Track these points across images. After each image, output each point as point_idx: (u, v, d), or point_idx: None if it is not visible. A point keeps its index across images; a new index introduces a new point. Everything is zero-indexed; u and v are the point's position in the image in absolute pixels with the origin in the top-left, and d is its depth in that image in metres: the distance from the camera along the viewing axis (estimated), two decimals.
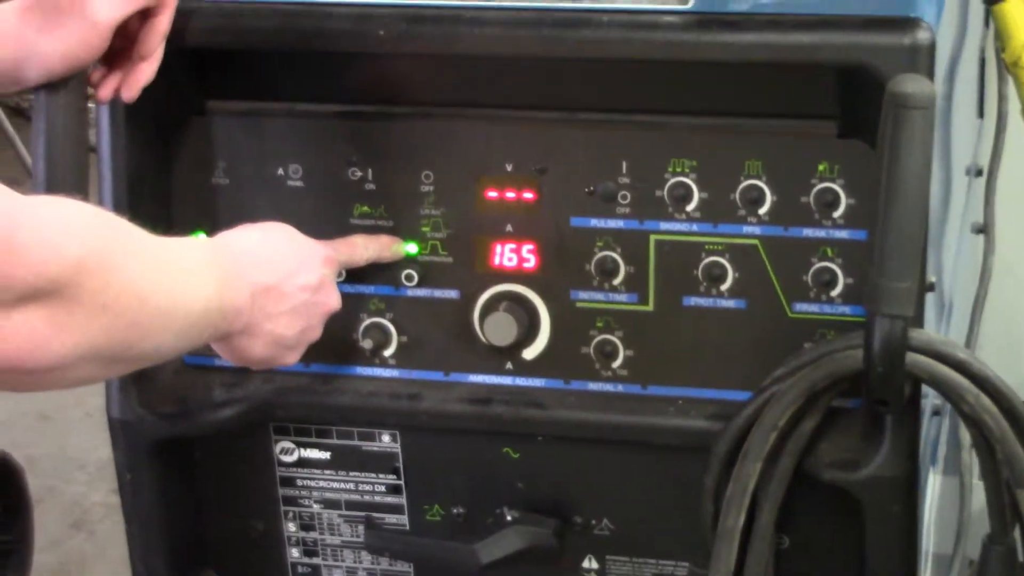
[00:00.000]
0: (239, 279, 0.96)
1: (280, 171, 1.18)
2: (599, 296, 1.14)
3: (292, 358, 1.05)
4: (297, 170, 1.18)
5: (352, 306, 1.17)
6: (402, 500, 1.21)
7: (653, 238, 1.13)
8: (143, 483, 1.20)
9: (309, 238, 1.05)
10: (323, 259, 1.05)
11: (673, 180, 1.12)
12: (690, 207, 1.12)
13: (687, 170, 1.12)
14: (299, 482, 1.23)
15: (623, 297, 1.14)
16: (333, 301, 1.07)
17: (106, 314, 0.80)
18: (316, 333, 1.06)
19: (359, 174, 1.16)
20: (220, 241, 0.99)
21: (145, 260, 0.85)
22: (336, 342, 1.17)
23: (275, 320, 1.00)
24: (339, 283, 1.12)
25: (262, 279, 0.98)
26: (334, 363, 1.19)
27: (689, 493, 1.11)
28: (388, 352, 1.19)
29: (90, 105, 1.08)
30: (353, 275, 1.16)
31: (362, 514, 1.22)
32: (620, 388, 1.15)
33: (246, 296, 0.96)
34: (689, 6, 1.06)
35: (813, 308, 1.11)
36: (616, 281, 1.14)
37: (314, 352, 1.11)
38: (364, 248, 1.12)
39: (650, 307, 1.14)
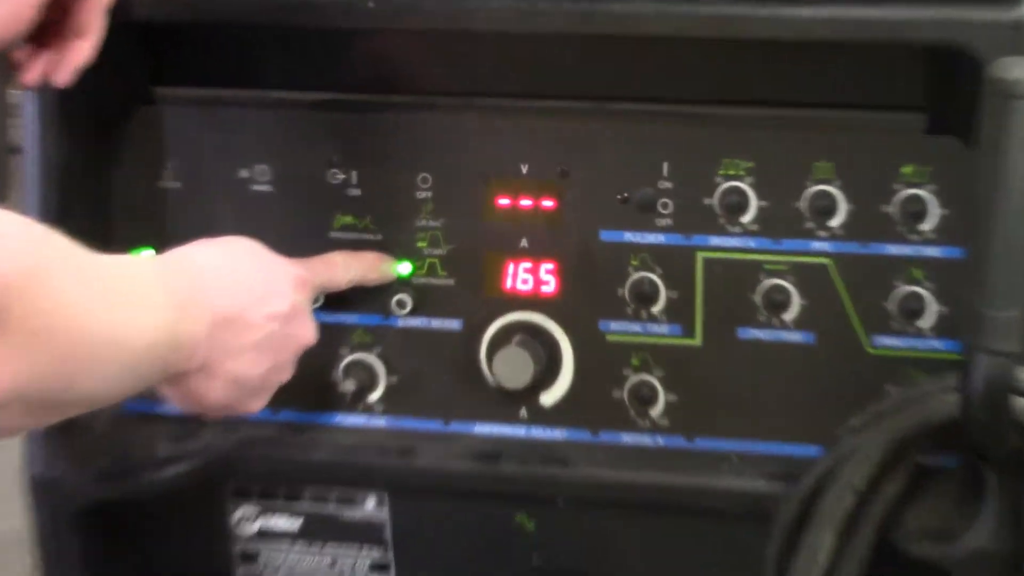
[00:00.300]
0: (196, 306, 0.95)
1: (244, 173, 1.17)
2: (635, 327, 1.14)
3: (257, 404, 1.04)
4: (265, 172, 1.18)
5: (331, 339, 1.16)
6: None
7: (701, 256, 1.13)
8: (68, 557, 1.19)
9: (278, 256, 1.04)
10: (295, 282, 1.04)
11: (725, 185, 1.12)
12: (746, 218, 1.12)
13: (742, 173, 1.11)
14: (262, 558, 1.22)
15: (664, 329, 1.13)
16: (307, 333, 1.06)
17: (35, 345, 0.79)
18: (286, 373, 1.05)
19: (341, 177, 1.16)
20: (173, 259, 0.98)
21: (83, 281, 0.84)
22: (311, 384, 1.16)
23: (238, 357, 0.99)
24: (315, 311, 1.12)
25: (223, 307, 0.97)
26: (308, 409, 1.18)
27: (747, 570, 1.09)
28: (375, 396, 1.18)
29: (13, 92, 1.10)
30: (333, 301, 1.15)
31: None
32: (661, 441, 1.14)
33: (204, 327, 0.96)
34: None
35: (897, 342, 1.10)
36: (655, 309, 1.14)
37: (284, 396, 1.10)
38: (346, 268, 1.11)
39: (697, 341, 1.13)
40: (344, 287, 1.12)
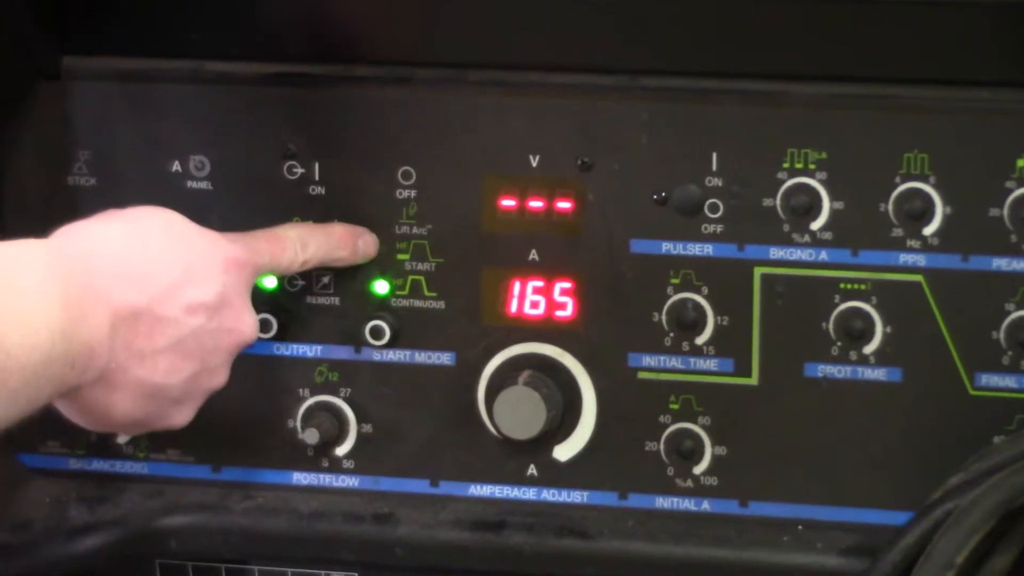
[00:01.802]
0: (91, 302, 0.94)
1: (176, 166, 1.16)
2: (674, 362, 1.12)
3: (180, 416, 1.03)
4: (203, 164, 1.15)
5: (287, 377, 1.17)
6: None
7: (759, 272, 1.11)
8: None
9: (205, 230, 1.03)
10: (227, 263, 1.02)
11: (791, 182, 1.09)
12: (816, 223, 1.10)
13: (812, 166, 1.09)
14: None
15: (712, 364, 1.12)
16: (244, 327, 1.03)
17: None
18: (219, 378, 1.03)
19: (300, 171, 1.14)
20: (62, 244, 0.96)
21: None
22: (261, 434, 1.17)
23: (149, 361, 0.97)
24: (266, 339, 1.13)
25: (126, 299, 0.96)
26: (257, 465, 1.18)
27: None
28: (343, 449, 1.17)
29: None
30: (288, 328, 1.15)
31: None
32: (707, 506, 1.13)
33: (102, 327, 0.94)
34: None
35: (1007, 382, 1.10)
36: (701, 339, 1.12)
37: (226, 449, 1.13)
38: (301, 245, 1.09)
39: (753, 379, 1.12)
40: (299, 270, 1.10)
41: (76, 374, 0.93)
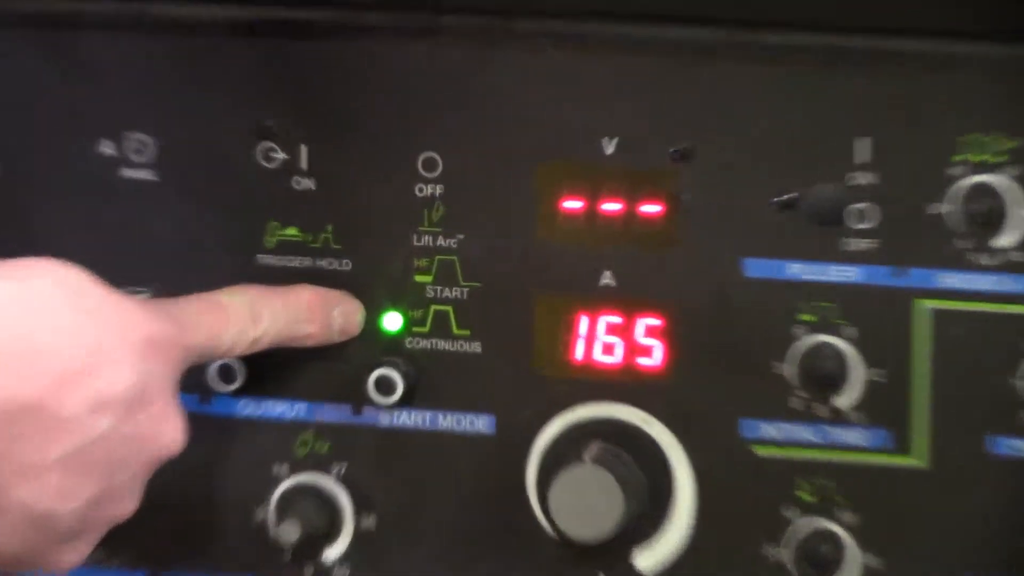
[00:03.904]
0: None
1: (108, 148, 1.09)
2: (805, 433, 1.04)
3: (72, 555, 0.97)
4: (144, 146, 1.09)
5: (257, 447, 1.10)
6: None
7: (924, 307, 1.03)
8: None
9: (122, 298, 0.96)
10: (147, 343, 0.96)
11: (968, 181, 1.01)
12: (1005, 240, 1.02)
13: (1001, 158, 1.01)
14: None
15: (859, 437, 1.04)
16: (167, 434, 0.97)
17: None
18: (127, 503, 0.97)
19: (280, 157, 1.08)
20: None
21: None
22: (218, 525, 1.11)
23: (34, 478, 0.92)
24: (228, 393, 1.07)
25: (9, 390, 0.90)
26: (212, 571, 1.12)
27: None
28: (335, 551, 1.10)
29: None
30: (260, 377, 1.07)
31: None
32: None
33: None
34: None
35: None
36: (844, 401, 1.03)
37: (171, 547, 1.08)
38: (251, 317, 1.03)
39: (918, 460, 1.03)
40: (247, 351, 1.03)
41: None
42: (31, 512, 0.92)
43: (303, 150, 1.07)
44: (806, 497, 1.03)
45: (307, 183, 1.06)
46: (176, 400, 1.00)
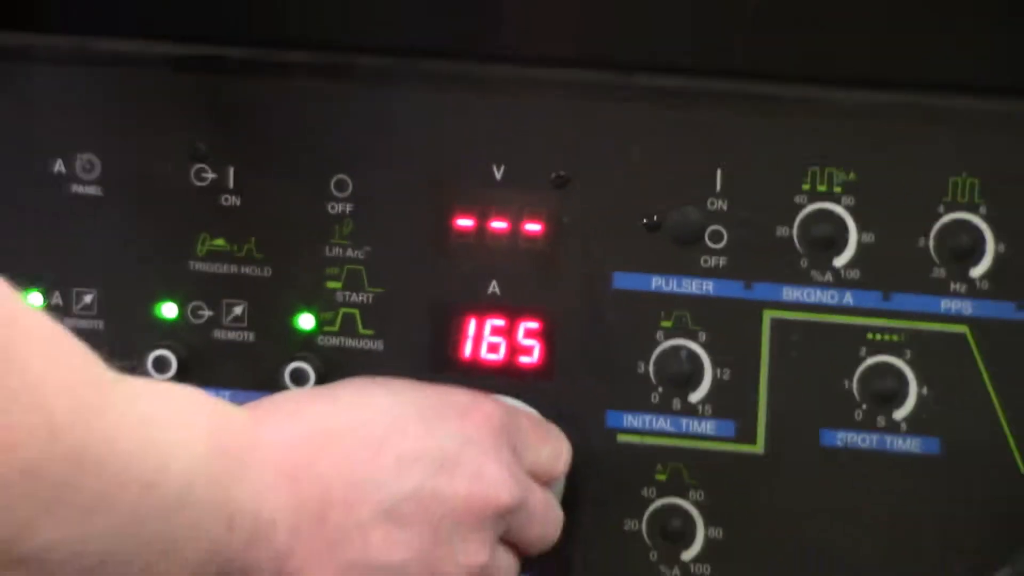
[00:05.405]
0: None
1: (59, 166, 1.13)
2: (662, 423, 1.10)
3: None
4: (92, 165, 1.13)
5: None
6: None
7: (769, 316, 1.09)
8: None
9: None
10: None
11: (811, 208, 1.08)
12: (841, 260, 1.08)
13: (838, 189, 1.08)
14: None
15: (708, 427, 1.10)
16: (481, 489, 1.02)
17: None
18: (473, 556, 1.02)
19: (210, 176, 1.13)
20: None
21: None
22: None
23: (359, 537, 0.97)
24: (162, 382, 1.04)
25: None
26: None
27: None
28: None
29: None
30: (188, 367, 1.13)
31: None
32: None
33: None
34: None
35: None
36: (696, 396, 1.10)
37: None
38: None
39: (758, 447, 1.10)
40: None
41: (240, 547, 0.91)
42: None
43: (231, 171, 1.12)
44: (661, 478, 1.10)
45: (233, 200, 1.12)
46: (499, 461, 1.02)
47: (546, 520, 1.05)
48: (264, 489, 0.92)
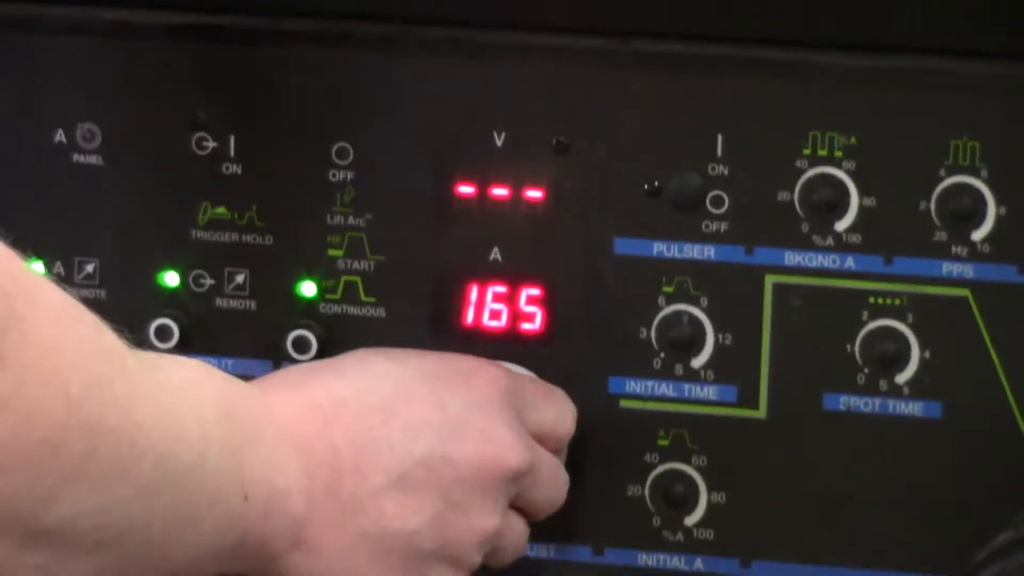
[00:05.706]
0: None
1: (60, 136, 1.14)
2: (664, 389, 1.11)
3: None
4: (93, 134, 1.14)
5: None
6: None
7: (771, 281, 1.09)
8: None
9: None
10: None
11: (812, 172, 1.08)
12: (842, 224, 1.08)
13: (838, 153, 1.08)
14: None
15: (710, 392, 1.11)
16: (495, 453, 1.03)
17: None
18: (485, 520, 1.02)
19: (211, 145, 1.13)
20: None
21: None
22: None
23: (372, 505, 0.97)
24: (164, 351, 1.10)
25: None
26: None
27: None
28: None
29: None
30: (190, 336, 1.13)
31: None
32: (700, 564, 1.12)
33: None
34: None
35: None
36: (698, 361, 1.11)
37: None
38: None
39: (761, 412, 1.10)
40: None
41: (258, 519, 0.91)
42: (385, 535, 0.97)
43: (232, 140, 1.13)
44: (663, 443, 1.11)
45: (235, 169, 1.13)
46: (506, 424, 1.03)
47: (554, 483, 1.05)
48: (277, 458, 0.92)
